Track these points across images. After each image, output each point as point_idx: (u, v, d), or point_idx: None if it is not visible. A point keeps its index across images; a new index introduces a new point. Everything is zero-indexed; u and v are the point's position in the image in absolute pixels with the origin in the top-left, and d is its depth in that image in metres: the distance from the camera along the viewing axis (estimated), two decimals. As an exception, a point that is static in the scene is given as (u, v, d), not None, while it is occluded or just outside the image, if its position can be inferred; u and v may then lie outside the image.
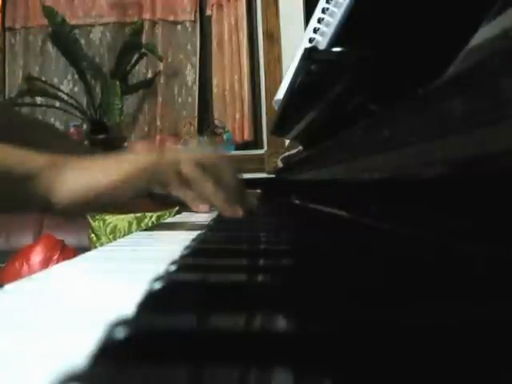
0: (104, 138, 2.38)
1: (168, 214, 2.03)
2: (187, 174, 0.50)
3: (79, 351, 0.13)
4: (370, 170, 0.34)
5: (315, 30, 0.53)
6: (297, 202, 0.89)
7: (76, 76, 2.52)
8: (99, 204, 0.50)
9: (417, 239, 0.28)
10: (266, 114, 2.34)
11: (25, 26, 2.61)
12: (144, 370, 0.12)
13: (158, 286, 0.18)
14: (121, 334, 0.13)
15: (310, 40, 0.54)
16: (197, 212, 0.50)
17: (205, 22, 2.57)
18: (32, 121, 0.90)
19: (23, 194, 0.48)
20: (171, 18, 2.57)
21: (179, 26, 2.58)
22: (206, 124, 2.51)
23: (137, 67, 2.53)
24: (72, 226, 2.11)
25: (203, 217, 0.62)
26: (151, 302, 0.17)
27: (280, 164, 1.11)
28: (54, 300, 0.21)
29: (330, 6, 0.52)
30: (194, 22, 2.57)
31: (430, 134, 0.22)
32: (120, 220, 2.05)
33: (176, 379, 0.12)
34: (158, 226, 0.61)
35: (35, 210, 0.51)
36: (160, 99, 2.54)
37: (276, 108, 0.73)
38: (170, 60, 2.56)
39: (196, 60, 2.56)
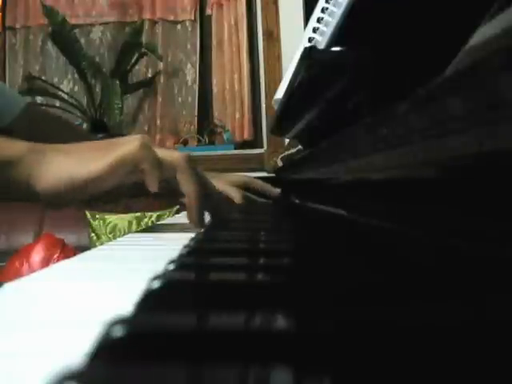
0: (104, 137, 2.38)
1: (168, 213, 2.03)
2: (175, 163, 0.49)
3: (77, 350, 0.13)
4: (369, 169, 0.34)
5: (315, 30, 0.53)
6: (296, 201, 0.89)
7: (76, 75, 2.52)
8: (84, 193, 0.48)
9: (417, 239, 0.28)
10: (266, 113, 2.34)
11: (25, 26, 2.61)
12: (141, 369, 0.12)
13: (156, 284, 0.18)
14: (118, 332, 0.13)
15: (310, 39, 0.54)
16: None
17: (205, 22, 2.57)
18: (47, 114, 0.96)
19: (4, 181, 0.46)
20: (171, 18, 2.57)
21: (179, 26, 2.58)
22: (205, 123, 2.51)
23: (137, 67, 2.53)
24: (72, 226, 2.11)
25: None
26: (149, 301, 0.17)
27: (280, 163, 1.11)
28: (52, 299, 0.21)
29: (330, 6, 0.52)
30: (194, 21, 2.57)
31: (429, 134, 0.22)
32: (120, 219, 2.05)
33: (174, 378, 0.12)
34: (158, 226, 0.61)
35: (19, 197, 0.50)
36: (160, 99, 2.54)
37: (275, 107, 0.73)
38: (169, 59, 2.56)
39: (196, 59, 2.56)
